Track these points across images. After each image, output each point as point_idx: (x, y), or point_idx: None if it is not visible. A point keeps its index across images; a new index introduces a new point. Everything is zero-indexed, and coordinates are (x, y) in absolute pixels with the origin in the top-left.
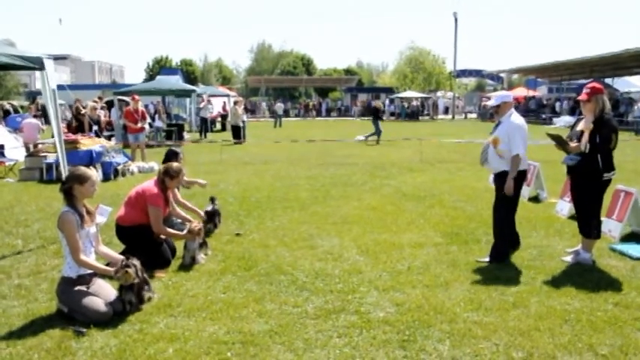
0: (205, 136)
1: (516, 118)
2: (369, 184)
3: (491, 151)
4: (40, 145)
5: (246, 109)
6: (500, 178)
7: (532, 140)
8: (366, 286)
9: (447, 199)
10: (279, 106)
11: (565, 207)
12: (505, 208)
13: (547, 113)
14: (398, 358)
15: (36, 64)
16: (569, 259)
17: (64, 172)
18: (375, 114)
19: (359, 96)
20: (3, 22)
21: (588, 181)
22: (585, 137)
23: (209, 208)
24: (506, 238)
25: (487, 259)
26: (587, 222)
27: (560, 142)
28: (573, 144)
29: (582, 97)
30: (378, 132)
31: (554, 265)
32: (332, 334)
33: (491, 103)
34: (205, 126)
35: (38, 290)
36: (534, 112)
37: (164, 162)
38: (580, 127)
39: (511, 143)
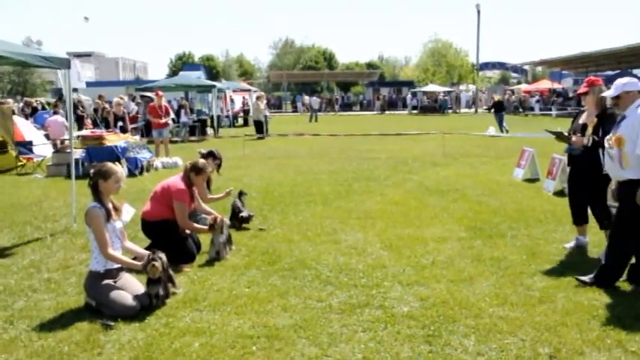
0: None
1: None
2: (392, 179)
3: (614, 154)
4: (67, 142)
5: (268, 104)
6: (627, 187)
7: None
8: (390, 281)
9: (470, 194)
10: (315, 101)
11: (550, 184)
12: (632, 225)
13: (573, 106)
14: (423, 352)
15: (61, 65)
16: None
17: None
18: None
19: (381, 90)
20: (28, 21)
21: (591, 176)
22: (589, 131)
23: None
24: (625, 262)
25: (589, 279)
26: (599, 214)
27: (560, 137)
28: (575, 137)
29: (581, 90)
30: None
31: (580, 259)
32: (356, 329)
33: (609, 93)
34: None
35: (67, 284)
36: (560, 104)
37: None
38: (582, 120)
39: (639, 140)
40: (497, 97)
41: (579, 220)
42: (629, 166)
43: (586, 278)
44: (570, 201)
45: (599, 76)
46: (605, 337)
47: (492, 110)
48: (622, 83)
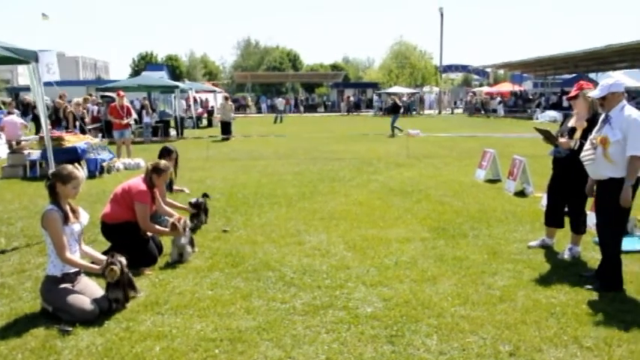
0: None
1: (632, 110)
2: (357, 180)
3: (599, 153)
4: (23, 142)
5: (239, 105)
6: (605, 186)
7: (517, 134)
8: (353, 282)
9: (433, 194)
10: (280, 101)
11: (511, 185)
12: (616, 223)
13: (532, 108)
14: (386, 353)
15: (30, 57)
16: (565, 255)
17: (52, 169)
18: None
19: (345, 91)
20: None
21: (576, 179)
22: (577, 134)
23: (194, 200)
24: (619, 260)
25: (593, 287)
26: (577, 218)
27: (548, 137)
28: (563, 139)
29: (571, 94)
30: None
31: (540, 259)
32: (320, 330)
33: (594, 94)
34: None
35: (22, 289)
36: (520, 106)
37: (159, 159)
38: (571, 123)
39: (629, 142)
40: (395, 100)
41: (553, 222)
42: (612, 165)
43: (589, 285)
44: (548, 203)
45: (556, 80)
46: (562, 334)
47: (389, 112)
48: (608, 84)
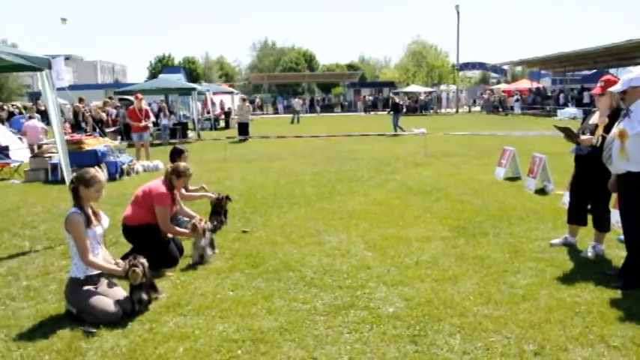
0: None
1: None
2: (375, 179)
3: (615, 147)
4: (44, 146)
5: (258, 106)
6: (625, 181)
7: (537, 131)
8: (374, 282)
9: (453, 193)
10: (297, 102)
11: (532, 183)
12: (637, 210)
13: (551, 105)
14: (409, 352)
15: (43, 65)
16: (589, 253)
17: (67, 175)
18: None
19: (362, 91)
20: (3, 23)
21: (598, 176)
22: (599, 131)
23: (216, 194)
24: None
25: (618, 285)
26: (600, 215)
27: (569, 135)
28: (585, 137)
29: (596, 90)
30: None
31: (563, 257)
32: (342, 330)
33: (616, 88)
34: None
35: (47, 291)
36: (539, 103)
37: (170, 160)
38: (594, 120)
39: None
40: (396, 100)
41: (575, 220)
42: (630, 159)
43: (617, 283)
44: (571, 201)
45: (576, 76)
46: (587, 333)
47: (391, 111)
48: (629, 78)
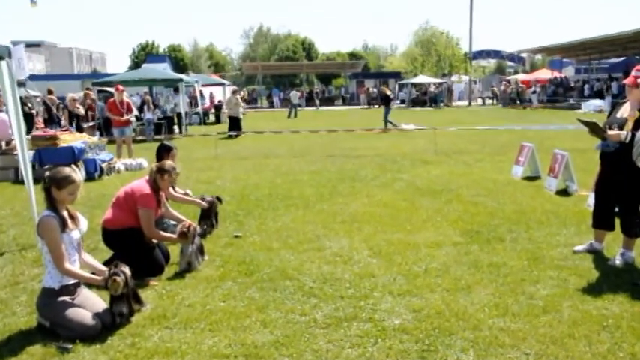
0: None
1: None
2: (380, 179)
3: None
4: (13, 142)
5: (243, 99)
6: None
7: (559, 126)
8: (379, 291)
9: (465, 194)
10: (294, 94)
11: (552, 183)
12: None
13: (575, 97)
14: None
15: (1, 54)
16: (617, 261)
17: (26, 177)
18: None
19: (365, 82)
20: None
21: (627, 175)
22: (629, 126)
23: (208, 198)
24: None
25: None
26: (629, 219)
27: (594, 130)
28: (612, 132)
29: (629, 80)
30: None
31: (588, 265)
32: (344, 345)
33: None
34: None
35: (16, 303)
36: (560, 95)
37: (157, 158)
38: (622, 113)
39: None
40: (387, 91)
41: (602, 225)
42: None
43: None
44: (596, 203)
45: (602, 64)
46: (616, 350)
47: (379, 104)
48: None
